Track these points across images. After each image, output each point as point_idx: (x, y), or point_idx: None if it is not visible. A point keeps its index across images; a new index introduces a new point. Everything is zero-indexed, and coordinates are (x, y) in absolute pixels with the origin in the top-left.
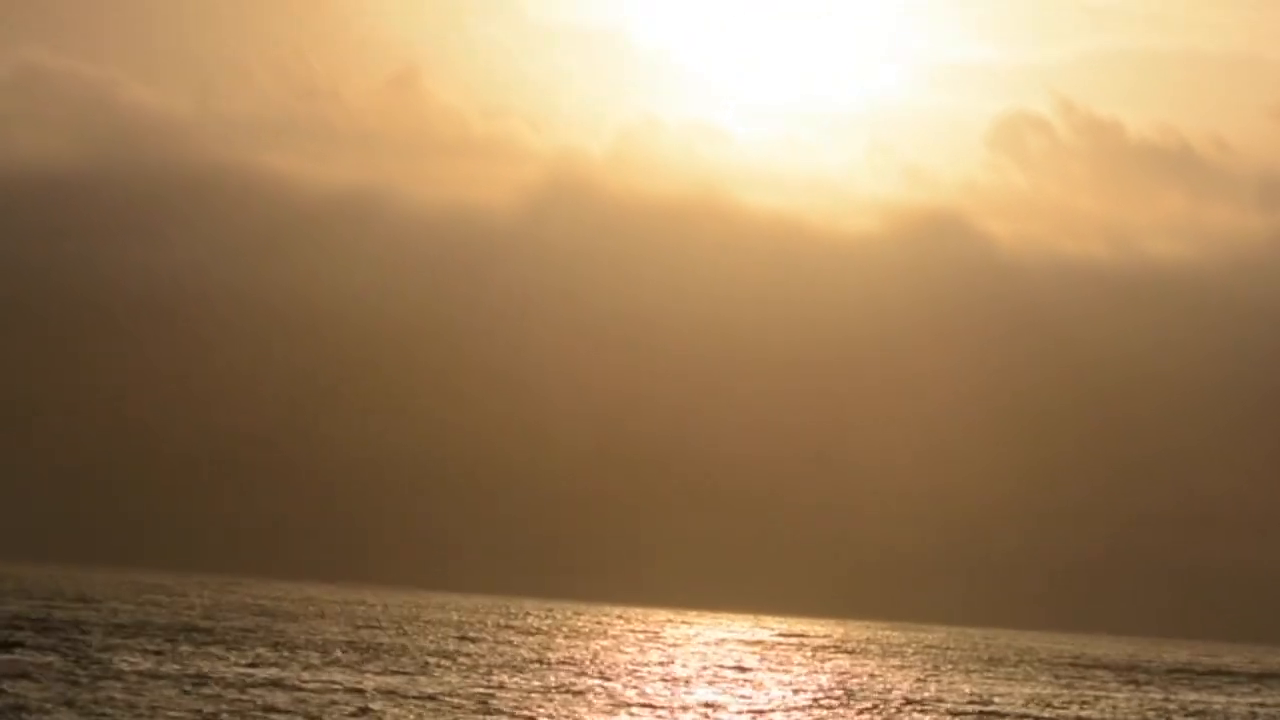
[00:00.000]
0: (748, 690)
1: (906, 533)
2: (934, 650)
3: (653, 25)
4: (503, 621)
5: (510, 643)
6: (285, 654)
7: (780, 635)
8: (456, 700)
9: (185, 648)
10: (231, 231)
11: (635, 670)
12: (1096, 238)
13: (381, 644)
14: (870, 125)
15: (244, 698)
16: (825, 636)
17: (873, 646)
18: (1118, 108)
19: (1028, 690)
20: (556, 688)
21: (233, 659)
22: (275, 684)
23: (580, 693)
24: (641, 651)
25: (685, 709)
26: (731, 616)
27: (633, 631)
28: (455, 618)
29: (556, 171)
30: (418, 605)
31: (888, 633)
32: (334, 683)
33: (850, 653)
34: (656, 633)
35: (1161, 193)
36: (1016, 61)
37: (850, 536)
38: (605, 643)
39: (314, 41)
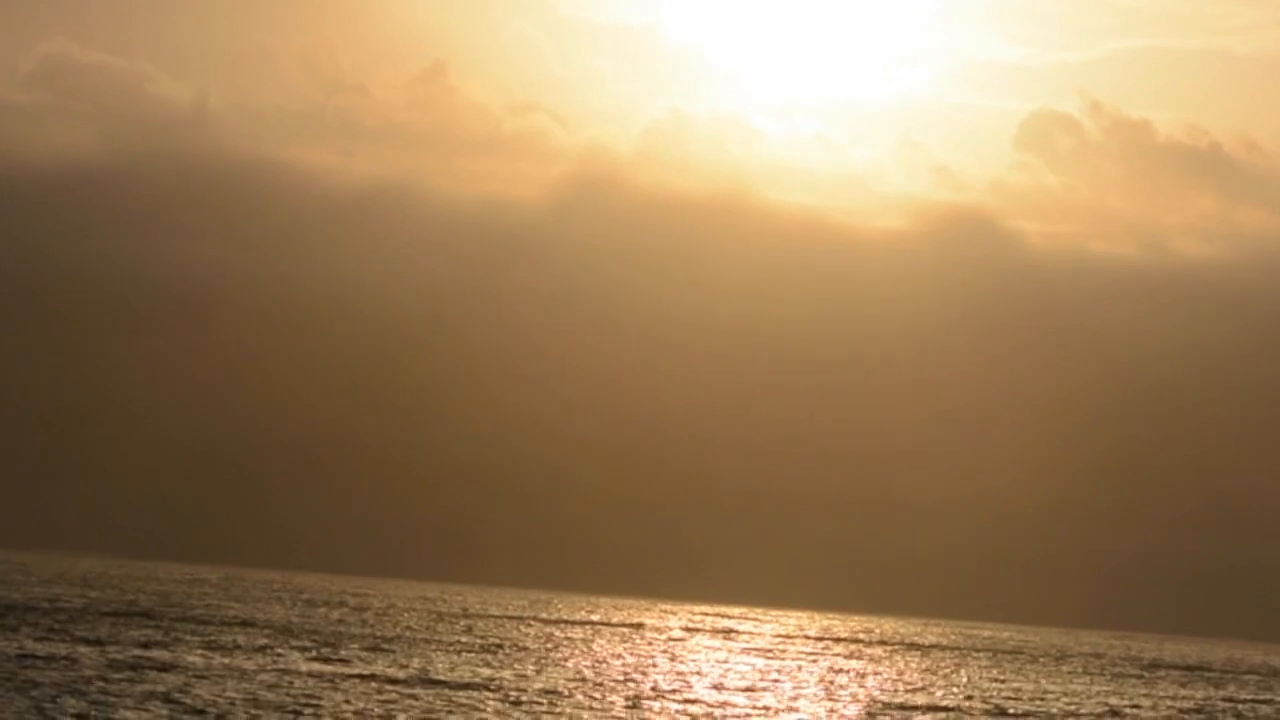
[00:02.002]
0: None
1: (946, 531)
2: (1016, 651)
3: (683, 22)
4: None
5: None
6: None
7: (826, 633)
8: None
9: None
10: (256, 225)
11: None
12: (1127, 238)
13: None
14: (900, 124)
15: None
16: (896, 635)
17: (972, 646)
18: (1147, 108)
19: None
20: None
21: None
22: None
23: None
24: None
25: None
26: (766, 612)
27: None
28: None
29: (584, 167)
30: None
31: (950, 631)
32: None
33: (953, 649)
34: (732, 630)
35: (1192, 193)
36: (1045, 61)
37: (887, 534)
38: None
39: (341, 36)
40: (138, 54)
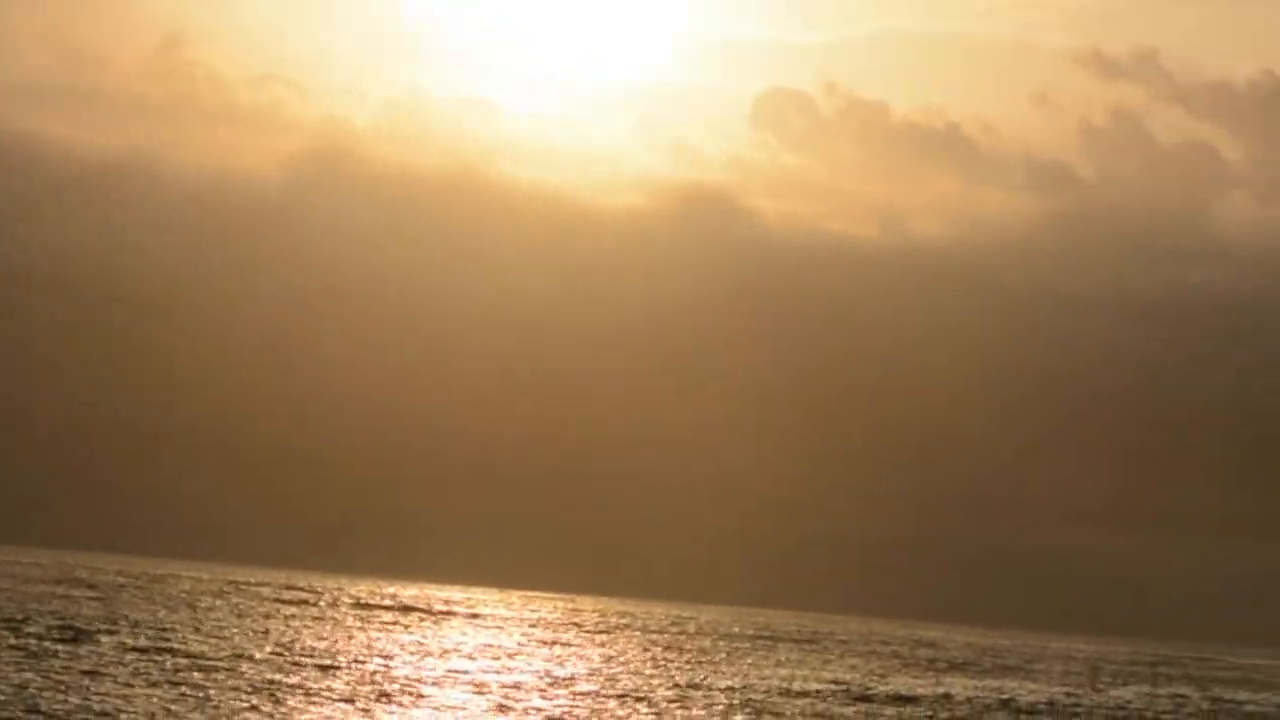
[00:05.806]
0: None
1: (694, 515)
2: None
3: None
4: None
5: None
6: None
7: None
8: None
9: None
10: None
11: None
12: (866, 218)
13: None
14: (639, 101)
15: None
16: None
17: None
18: (884, 90)
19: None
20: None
21: None
22: None
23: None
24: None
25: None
26: (490, 591)
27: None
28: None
29: (321, 141)
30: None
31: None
32: None
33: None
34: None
35: (930, 174)
36: (784, 42)
37: (633, 517)
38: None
39: (81, 7)
40: None
